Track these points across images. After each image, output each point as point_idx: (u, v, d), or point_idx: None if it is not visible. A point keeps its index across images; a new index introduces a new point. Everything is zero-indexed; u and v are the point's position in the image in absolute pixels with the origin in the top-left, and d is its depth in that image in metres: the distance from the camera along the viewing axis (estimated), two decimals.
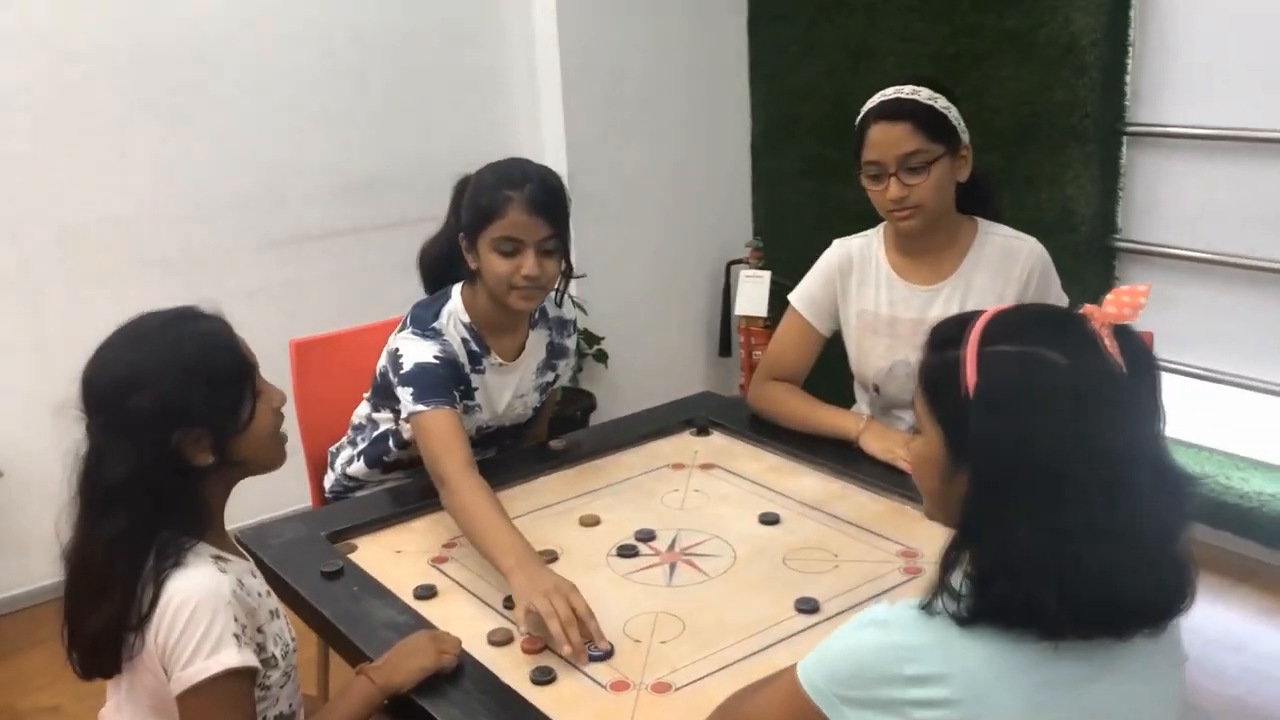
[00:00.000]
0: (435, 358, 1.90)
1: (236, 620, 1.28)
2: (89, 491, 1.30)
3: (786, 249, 3.90)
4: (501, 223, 1.87)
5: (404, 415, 1.92)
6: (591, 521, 1.84)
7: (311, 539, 1.80)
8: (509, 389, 2.07)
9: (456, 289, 2.03)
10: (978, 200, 2.06)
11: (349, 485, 2.17)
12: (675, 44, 3.84)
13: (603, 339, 3.76)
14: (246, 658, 1.27)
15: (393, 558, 1.77)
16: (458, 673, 1.42)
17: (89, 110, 3.00)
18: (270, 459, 1.41)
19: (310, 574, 1.67)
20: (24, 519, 2.94)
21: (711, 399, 2.44)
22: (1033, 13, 3.17)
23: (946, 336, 1.12)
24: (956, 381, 1.06)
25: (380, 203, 3.48)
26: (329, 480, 2.22)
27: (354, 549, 1.80)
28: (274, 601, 1.41)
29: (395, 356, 1.93)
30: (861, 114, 2.00)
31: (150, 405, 1.28)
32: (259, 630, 1.33)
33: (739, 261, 4.05)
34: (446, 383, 1.89)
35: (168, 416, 1.29)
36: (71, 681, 1.36)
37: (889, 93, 1.97)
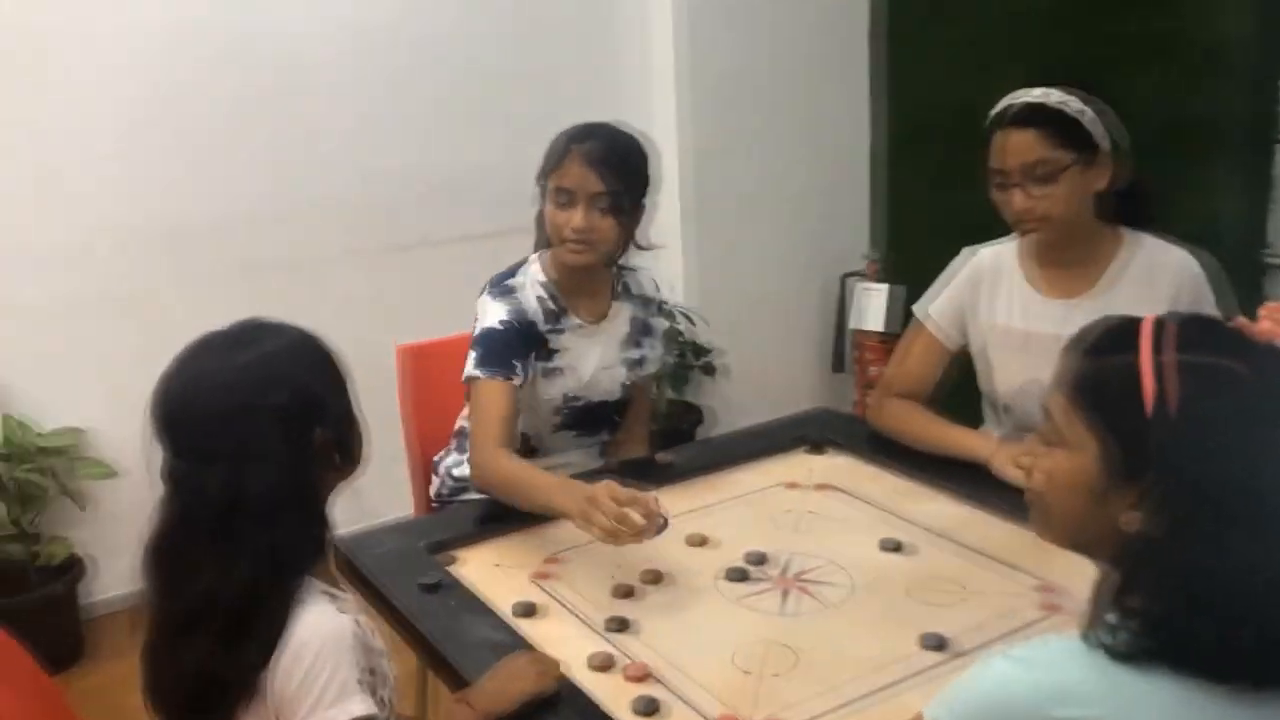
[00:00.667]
0: (501, 322, 1.93)
1: (359, 665, 1.20)
2: (226, 518, 1.20)
3: (910, 261, 3.76)
4: (559, 172, 1.91)
5: (464, 376, 1.93)
6: (699, 541, 1.75)
7: (411, 550, 1.75)
8: (594, 355, 2.04)
9: (540, 252, 2.04)
10: (1133, 209, 1.92)
11: (455, 488, 2.14)
12: (794, 50, 3.74)
13: (711, 351, 3.67)
14: (369, 706, 1.19)
15: (492, 571, 1.70)
16: (556, 699, 1.34)
17: (194, 114, 3.02)
18: (360, 460, 1.35)
19: (408, 587, 1.62)
20: (139, 519, 2.96)
21: (827, 415, 2.34)
22: (1175, 15, 3.00)
23: (1111, 342, 1.03)
24: (1131, 392, 0.97)
25: (481, 210, 3.41)
26: (434, 487, 2.20)
27: (454, 561, 1.73)
28: (381, 641, 1.32)
29: (475, 319, 1.97)
30: (989, 120, 1.89)
31: (290, 401, 1.22)
32: (371, 672, 1.24)
33: (854, 274, 3.92)
34: (510, 350, 1.91)
35: (308, 411, 1.24)
36: None
37: (1017, 96, 1.87)
